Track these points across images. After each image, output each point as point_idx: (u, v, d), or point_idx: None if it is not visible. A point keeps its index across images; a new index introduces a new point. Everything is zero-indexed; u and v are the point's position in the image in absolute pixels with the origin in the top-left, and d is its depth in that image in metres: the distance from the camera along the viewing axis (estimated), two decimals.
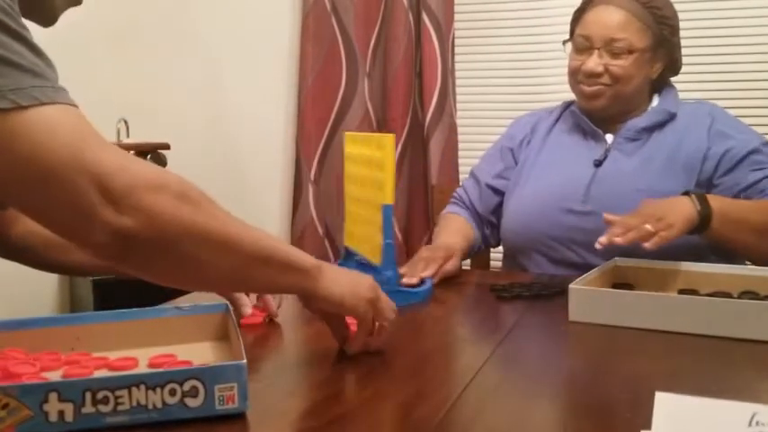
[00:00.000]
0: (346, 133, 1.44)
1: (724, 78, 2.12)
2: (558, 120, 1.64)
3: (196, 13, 2.56)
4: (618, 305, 1.09)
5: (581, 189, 1.48)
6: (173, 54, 2.56)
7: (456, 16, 2.31)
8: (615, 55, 1.47)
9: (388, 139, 1.21)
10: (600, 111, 1.53)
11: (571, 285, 1.12)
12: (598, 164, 1.50)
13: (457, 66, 2.32)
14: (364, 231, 1.33)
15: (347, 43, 2.38)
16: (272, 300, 1.11)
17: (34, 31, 0.78)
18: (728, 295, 1.16)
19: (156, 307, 0.99)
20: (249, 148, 2.58)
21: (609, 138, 1.54)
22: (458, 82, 2.33)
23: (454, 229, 1.59)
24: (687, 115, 1.51)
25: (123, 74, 2.51)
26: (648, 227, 1.21)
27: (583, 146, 1.55)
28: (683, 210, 1.27)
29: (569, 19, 1.61)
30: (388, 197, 1.21)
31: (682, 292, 1.20)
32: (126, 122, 2.30)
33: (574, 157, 1.54)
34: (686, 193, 1.31)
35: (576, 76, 1.53)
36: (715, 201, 1.30)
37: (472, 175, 1.71)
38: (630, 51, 1.46)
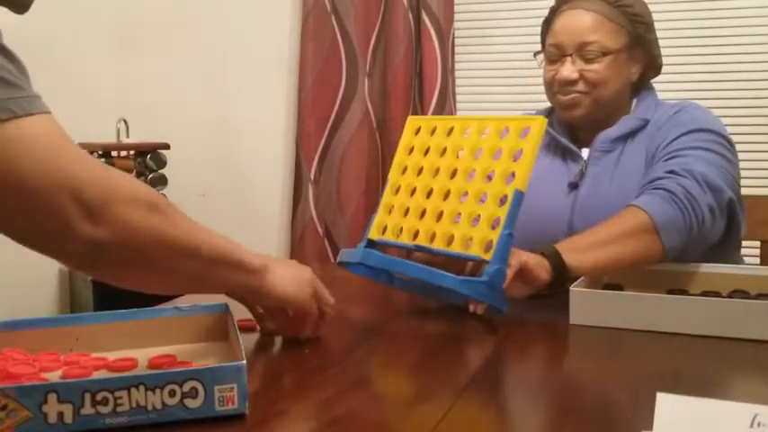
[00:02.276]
0: (412, 117, 1.26)
1: (714, 78, 2.13)
2: None
3: (196, 14, 2.56)
4: (621, 307, 1.08)
5: (563, 220, 1.39)
6: (173, 54, 2.56)
7: (456, 16, 2.31)
8: (589, 60, 1.38)
9: (539, 123, 1.08)
10: (580, 120, 1.43)
11: (572, 288, 1.11)
12: (574, 186, 1.41)
13: (457, 66, 2.32)
14: (445, 227, 1.14)
15: (347, 43, 2.38)
16: None
17: (32, 28, 0.76)
18: (718, 294, 1.16)
19: (156, 307, 0.99)
20: (249, 148, 2.58)
21: (585, 153, 1.44)
22: (458, 82, 2.33)
23: None
24: (658, 120, 1.40)
25: (123, 74, 2.51)
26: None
27: (560, 167, 1.45)
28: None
29: None
30: (522, 183, 1.07)
31: (670, 292, 1.19)
32: (126, 122, 2.30)
33: (552, 180, 1.44)
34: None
35: (551, 88, 1.44)
36: (562, 244, 1.17)
37: None
38: (604, 53, 1.37)
